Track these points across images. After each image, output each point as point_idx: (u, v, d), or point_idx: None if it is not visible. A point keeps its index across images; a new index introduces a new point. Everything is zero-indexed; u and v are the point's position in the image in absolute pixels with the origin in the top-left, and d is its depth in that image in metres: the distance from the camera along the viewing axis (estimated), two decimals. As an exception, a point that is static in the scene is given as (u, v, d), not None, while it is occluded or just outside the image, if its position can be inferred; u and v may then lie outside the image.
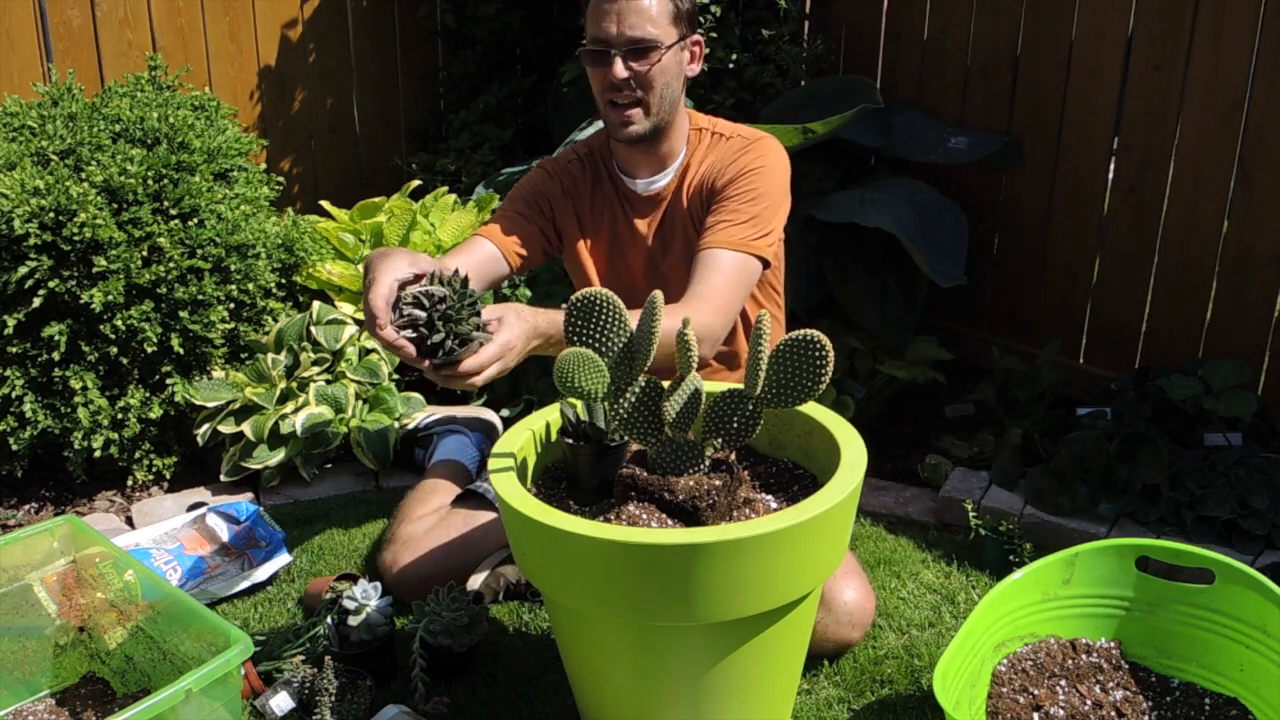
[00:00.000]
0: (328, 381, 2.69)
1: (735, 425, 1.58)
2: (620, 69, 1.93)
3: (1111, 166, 2.86)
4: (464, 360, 1.57)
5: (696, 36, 2.03)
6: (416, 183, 3.34)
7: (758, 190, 2.00)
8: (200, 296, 2.56)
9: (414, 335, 1.58)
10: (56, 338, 2.44)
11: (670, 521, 1.53)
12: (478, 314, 1.61)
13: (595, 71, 1.97)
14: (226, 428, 2.59)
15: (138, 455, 2.62)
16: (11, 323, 2.41)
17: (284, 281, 2.87)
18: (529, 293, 2.80)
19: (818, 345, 1.51)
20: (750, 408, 1.57)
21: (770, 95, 3.26)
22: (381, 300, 1.60)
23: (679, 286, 1.98)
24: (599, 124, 2.92)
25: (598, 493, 1.67)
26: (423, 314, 1.57)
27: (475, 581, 2.12)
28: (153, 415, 2.57)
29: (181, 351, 2.58)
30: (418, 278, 1.67)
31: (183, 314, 2.55)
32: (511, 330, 1.63)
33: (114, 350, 2.51)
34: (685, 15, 1.97)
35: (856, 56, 3.37)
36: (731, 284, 1.94)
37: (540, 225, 2.13)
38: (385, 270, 1.64)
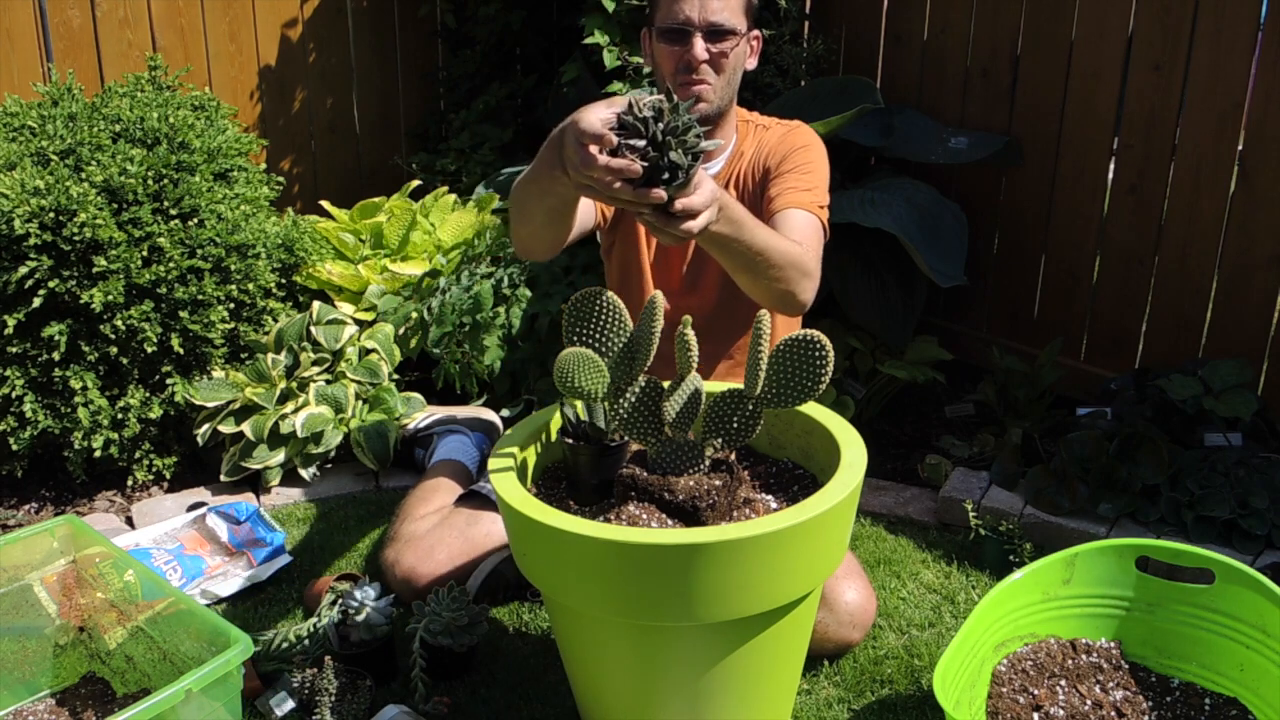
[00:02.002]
0: (328, 381, 2.69)
1: (735, 425, 1.58)
2: (700, 49, 1.96)
3: (1111, 166, 2.86)
4: (695, 184, 1.41)
5: (757, 33, 2.08)
6: (416, 183, 3.34)
7: (811, 164, 2.05)
8: (200, 296, 2.56)
9: (642, 160, 1.36)
10: (56, 338, 2.44)
11: (670, 521, 1.53)
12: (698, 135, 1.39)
13: (670, 51, 1.98)
14: (226, 428, 2.59)
15: (138, 455, 2.62)
16: (11, 323, 2.41)
17: (284, 281, 2.87)
18: (529, 293, 2.80)
19: (818, 345, 1.51)
20: (750, 408, 1.57)
21: (770, 95, 3.26)
22: (599, 122, 1.39)
23: (717, 271, 2.05)
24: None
25: (598, 493, 1.67)
26: (643, 138, 1.35)
27: (475, 581, 2.12)
28: (153, 415, 2.57)
29: (181, 351, 2.58)
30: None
31: (183, 314, 2.55)
32: (708, 180, 1.49)
33: (114, 350, 2.51)
34: (753, 10, 2.03)
35: (856, 56, 3.37)
36: (815, 236, 1.93)
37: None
38: (590, 108, 1.44)
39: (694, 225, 1.45)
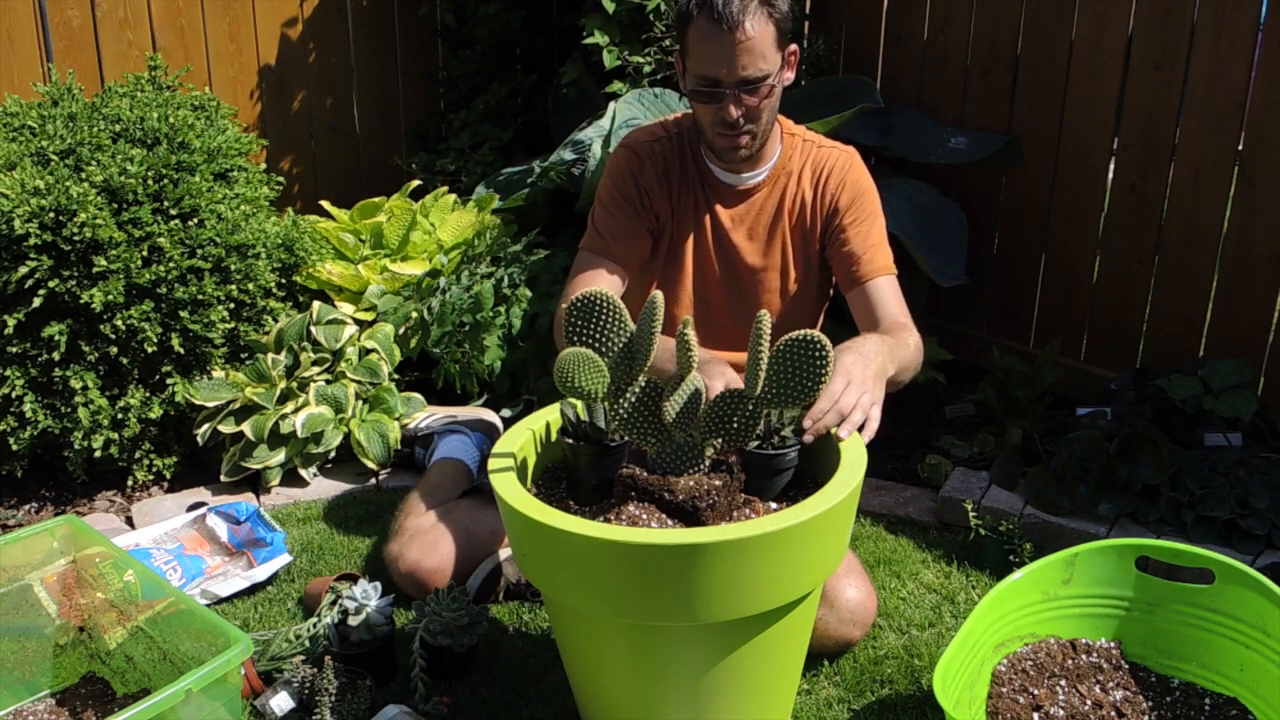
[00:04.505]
0: (328, 381, 2.69)
1: (735, 425, 1.58)
2: (734, 110, 1.91)
3: (1111, 166, 2.86)
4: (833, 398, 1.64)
5: (793, 46, 1.98)
6: (416, 183, 3.34)
7: (878, 209, 2.10)
8: (200, 296, 2.56)
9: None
10: (56, 338, 2.44)
11: (670, 521, 1.53)
12: None
13: (705, 108, 1.95)
14: (226, 428, 2.59)
15: (138, 455, 2.62)
16: (11, 323, 2.41)
17: (284, 281, 2.87)
18: (529, 293, 2.80)
19: (818, 345, 1.51)
20: (750, 408, 1.57)
21: (770, 95, 3.25)
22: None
23: (752, 280, 2.09)
24: (600, 123, 2.93)
25: (598, 493, 1.67)
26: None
27: (475, 581, 2.12)
28: (153, 415, 2.57)
29: (181, 351, 2.58)
30: None
31: (183, 314, 2.54)
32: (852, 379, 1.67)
33: (114, 350, 2.51)
34: (787, 31, 1.93)
35: (856, 56, 3.37)
36: (901, 296, 2.05)
37: (648, 224, 2.09)
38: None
39: (867, 419, 1.64)
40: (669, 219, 2.10)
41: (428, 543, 2.11)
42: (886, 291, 2.03)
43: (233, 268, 2.63)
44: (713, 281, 2.12)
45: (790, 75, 2.00)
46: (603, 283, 2.02)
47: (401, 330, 2.86)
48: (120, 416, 2.54)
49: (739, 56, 1.86)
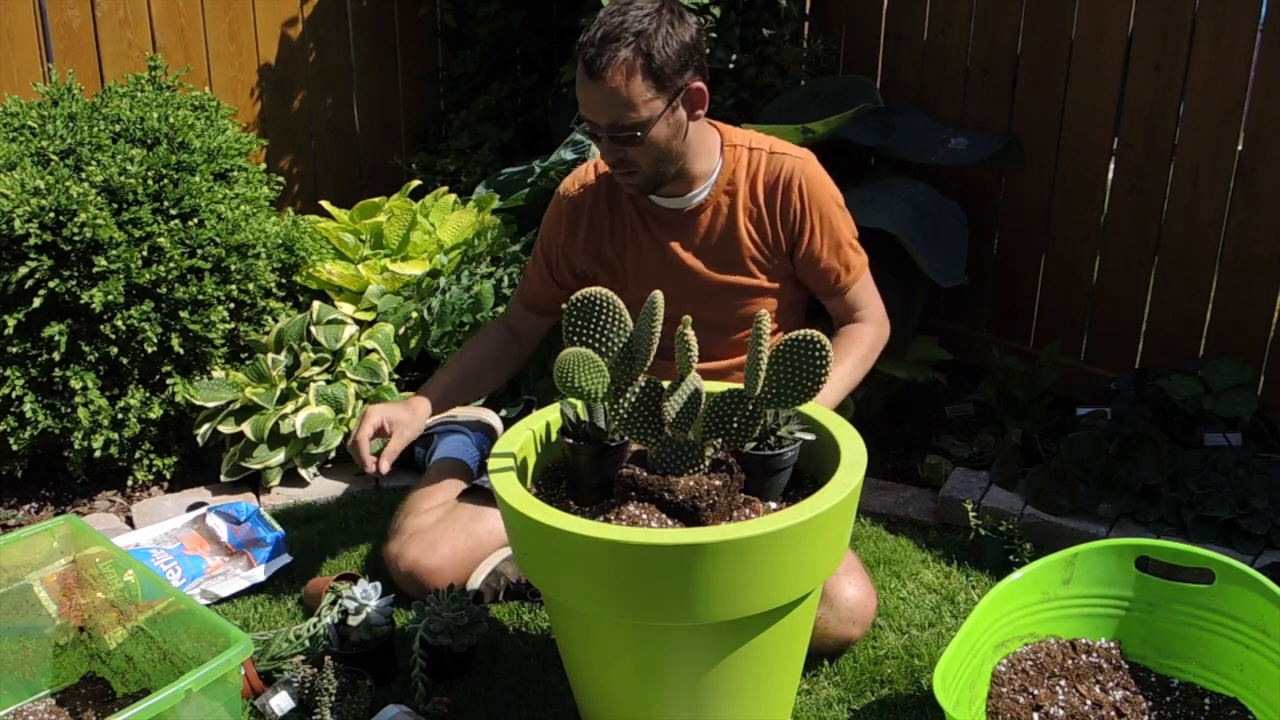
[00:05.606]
0: (328, 381, 2.69)
1: (735, 425, 1.58)
2: (611, 151, 1.93)
3: (1111, 166, 2.86)
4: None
5: (695, 85, 1.93)
6: (416, 183, 3.34)
7: (834, 210, 2.11)
8: (200, 296, 2.56)
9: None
10: (56, 338, 2.44)
11: (670, 521, 1.53)
12: None
13: (596, 145, 1.99)
14: (226, 428, 2.59)
15: (138, 455, 2.62)
16: (11, 323, 2.41)
17: (284, 281, 2.87)
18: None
19: (818, 345, 1.51)
20: (750, 408, 1.57)
21: (770, 95, 3.26)
22: None
23: (717, 297, 2.11)
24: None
25: (598, 493, 1.67)
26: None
27: (475, 581, 2.12)
28: (153, 415, 2.57)
29: (181, 351, 2.58)
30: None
31: (183, 314, 2.55)
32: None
33: (114, 350, 2.51)
34: (671, 75, 1.88)
35: (856, 56, 3.37)
36: (873, 288, 2.20)
37: (559, 278, 2.23)
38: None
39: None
40: (615, 258, 2.15)
41: (427, 542, 2.11)
42: (861, 296, 2.17)
43: (233, 268, 2.63)
44: (677, 302, 2.13)
45: (701, 112, 1.96)
46: (502, 331, 2.32)
47: (401, 330, 2.86)
48: (120, 416, 2.54)
49: (606, 106, 1.87)
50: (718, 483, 1.55)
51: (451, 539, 2.11)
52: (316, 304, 2.77)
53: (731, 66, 3.21)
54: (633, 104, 1.86)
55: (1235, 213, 2.62)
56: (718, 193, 2.07)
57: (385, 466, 2.05)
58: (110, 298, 2.44)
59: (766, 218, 2.08)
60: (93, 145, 2.57)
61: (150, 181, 2.55)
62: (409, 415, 2.13)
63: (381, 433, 2.11)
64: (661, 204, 2.09)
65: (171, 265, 2.51)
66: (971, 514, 2.34)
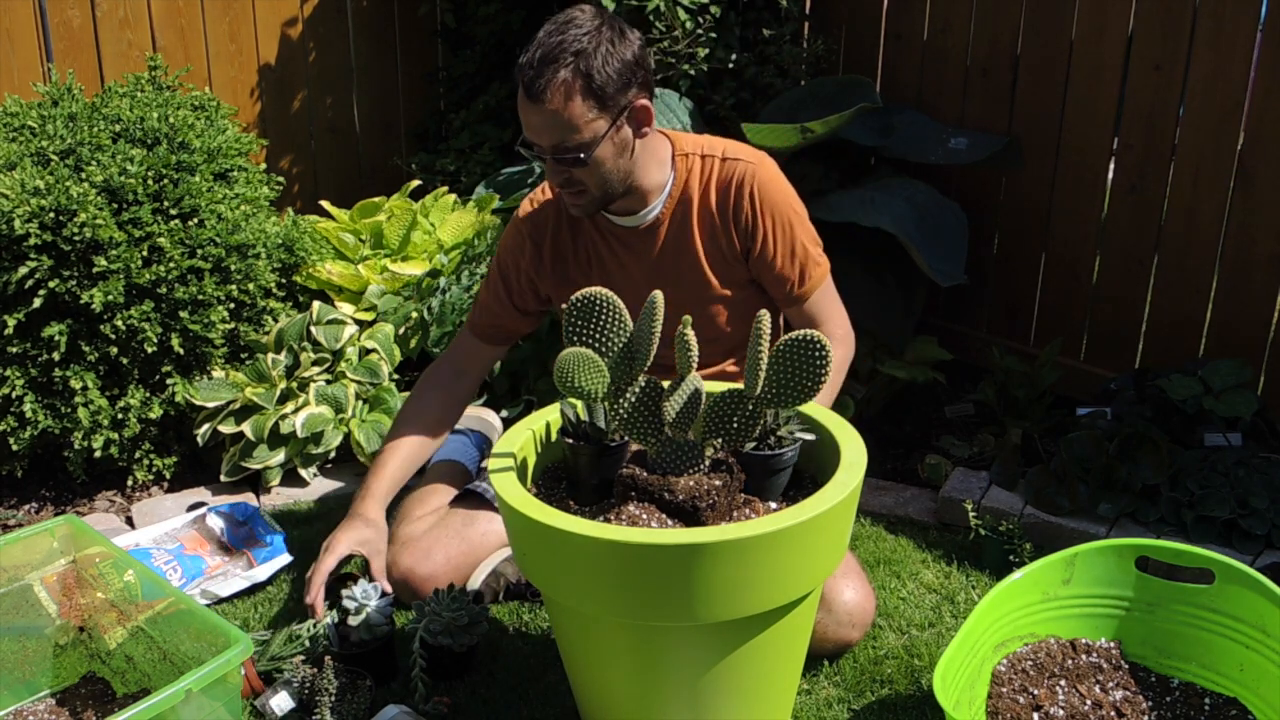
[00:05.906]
0: (328, 381, 2.69)
1: (735, 425, 1.58)
2: (554, 174, 1.91)
3: (1111, 166, 2.86)
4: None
5: (640, 103, 1.88)
6: (416, 183, 3.34)
7: (791, 213, 2.04)
8: (200, 296, 2.56)
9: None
10: (56, 338, 2.44)
11: (670, 521, 1.53)
12: None
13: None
14: (226, 428, 2.59)
15: (138, 455, 2.62)
16: (11, 323, 2.41)
17: (284, 281, 2.87)
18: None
19: (818, 345, 1.51)
20: (750, 408, 1.57)
21: (770, 95, 3.26)
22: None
23: (682, 309, 2.03)
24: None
25: (598, 493, 1.67)
26: None
27: (475, 581, 2.12)
28: (153, 415, 2.57)
29: (181, 351, 2.58)
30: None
31: (183, 314, 2.55)
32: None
33: (114, 350, 2.51)
34: (614, 94, 1.84)
35: (856, 56, 3.37)
36: (836, 297, 2.14)
37: (519, 303, 2.18)
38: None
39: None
40: (582, 278, 2.11)
41: (420, 550, 2.10)
42: (822, 307, 2.11)
43: (233, 268, 2.63)
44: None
45: (648, 130, 1.93)
46: (445, 374, 2.22)
47: (401, 330, 2.86)
48: (120, 416, 2.54)
49: (548, 129, 1.84)
50: (718, 483, 1.56)
51: (445, 545, 2.11)
52: (316, 304, 2.77)
53: (731, 66, 3.21)
54: (574, 125, 1.83)
55: (1235, 213, 2.63)
56: (671, 204, 2.04)
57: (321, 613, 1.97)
58: (110, 298, 2.44)
59: (719, 224, 2.04)
60: (93, 145, 2.57)
61: (150, 181, 2.55)
62: (375, 534, 2.05)
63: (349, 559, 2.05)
64: (619, 221, 2.05)
65: (171, 265, 2.51)
66: (971, 514, 2.34)
